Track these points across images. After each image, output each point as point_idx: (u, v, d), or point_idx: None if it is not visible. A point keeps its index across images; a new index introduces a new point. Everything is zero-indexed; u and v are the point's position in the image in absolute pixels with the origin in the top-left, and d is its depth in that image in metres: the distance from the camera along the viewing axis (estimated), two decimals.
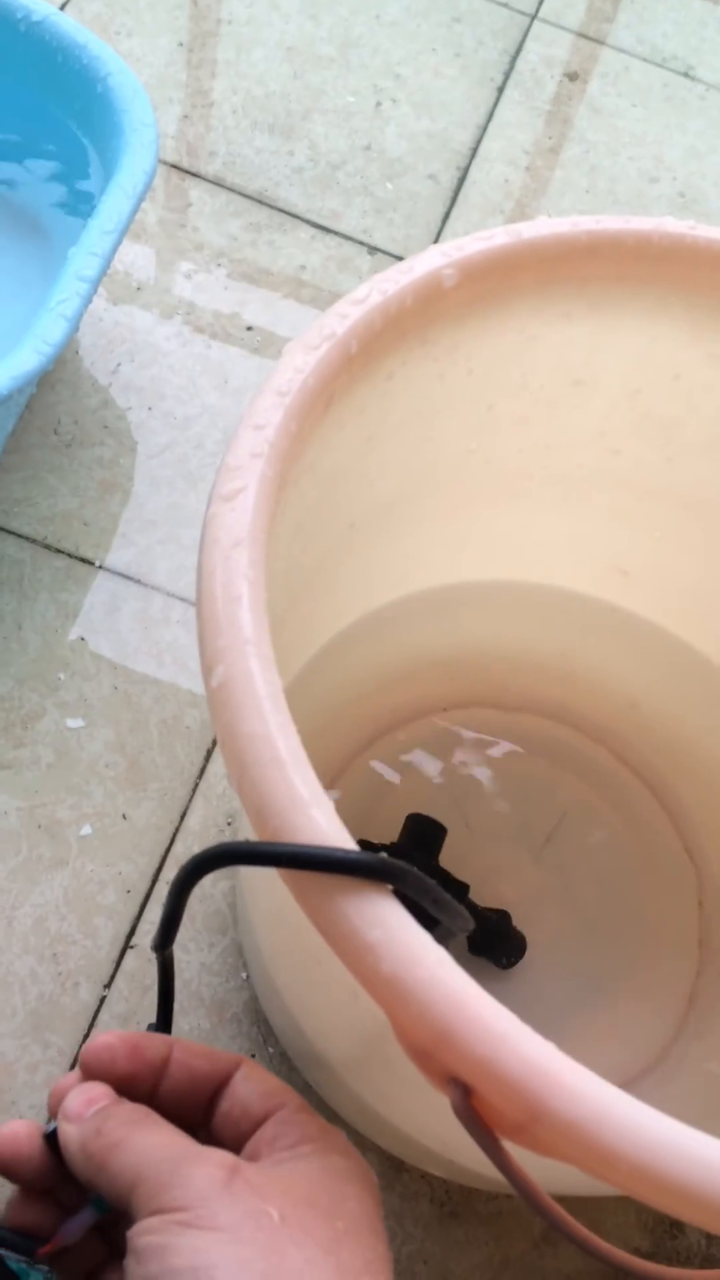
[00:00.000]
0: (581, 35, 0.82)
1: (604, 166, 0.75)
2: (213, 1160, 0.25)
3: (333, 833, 0.22)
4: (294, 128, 0.72)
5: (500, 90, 0.77)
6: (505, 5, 0.82)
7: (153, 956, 0.46)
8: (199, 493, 0.58)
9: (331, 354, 0.29)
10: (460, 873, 0.44)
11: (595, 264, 0.33)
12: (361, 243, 0.68)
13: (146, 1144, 0.26)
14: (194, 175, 0.69)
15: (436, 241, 0.69)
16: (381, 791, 0.48)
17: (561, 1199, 0.24)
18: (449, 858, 0.45)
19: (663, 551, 0.45)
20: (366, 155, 0.72)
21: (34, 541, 0.55)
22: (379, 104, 0.74)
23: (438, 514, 0.43)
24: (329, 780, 0.48)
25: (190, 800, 0.50)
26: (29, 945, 0.46)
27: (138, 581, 0.55)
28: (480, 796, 0.49)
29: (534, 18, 0.81)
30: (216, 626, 0.24)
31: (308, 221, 0.68)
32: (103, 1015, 0.45)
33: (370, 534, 0.40)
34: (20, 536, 0.55)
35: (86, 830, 0.48)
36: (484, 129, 0.75)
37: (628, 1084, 0.44)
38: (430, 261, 0.31)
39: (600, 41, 0.82)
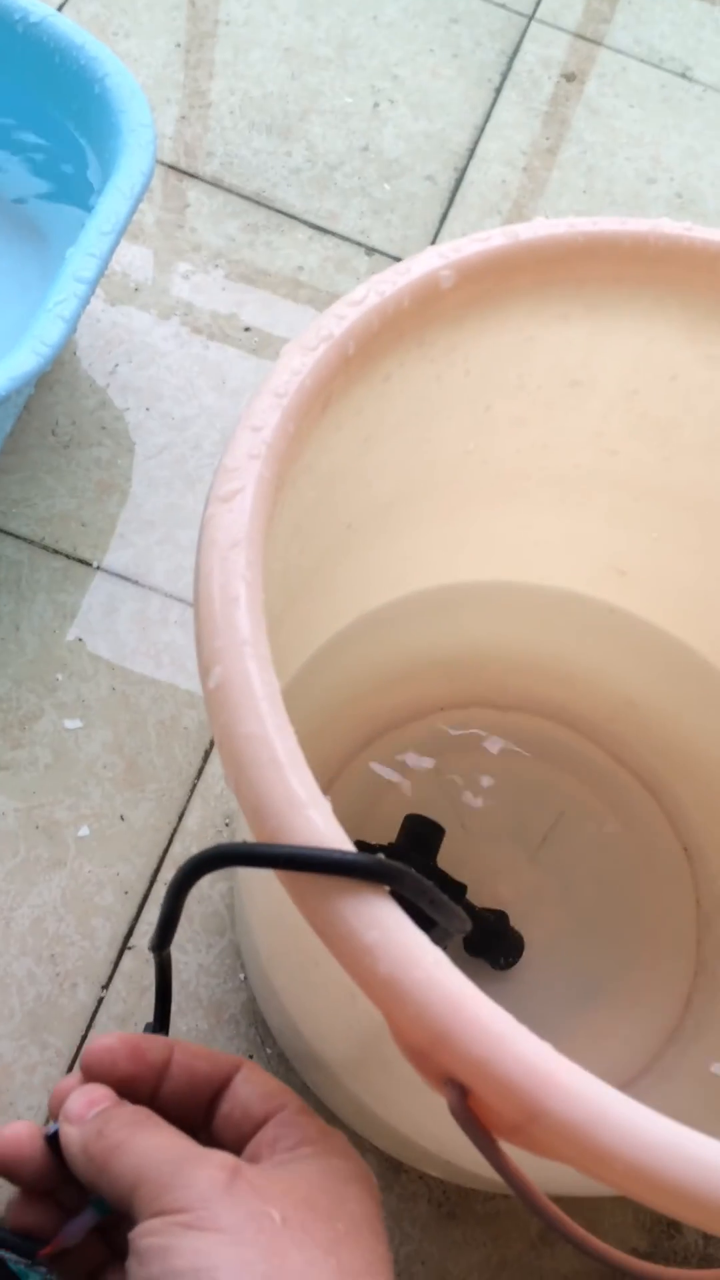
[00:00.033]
0: (579, 36, 0.82)
1: (601, 167, 0.75)
2: (214, 1162, 0.25)
3: (330, 834, 0.22)
4: (291, 128, 0.72)
5: (498, 91, 0.77)
6: (503, 6, 0.82)
7: (150, 957, 0.46)
8: (197, 493, 0.58)
9: (329, 355, 0.29)
10: (458, 873, 0.44)
11: (592, 265, 0.33)
12: (359, 243, 0.68)
13: (148, 1145, 0.26)
14: (192, 176, 0.69)
15: (434, 242, 0.69)
16: (379, 792, 0.48)
17: (559, 1199, 0.25)
18: (446, 858, 0.45)
19: (660, 552, 0.45)
20: (364, 156, 0.72)
21: (32, 542, 0.55)
22: (376, 105, 0.74)
23: (435, 515, 0.43)
24: (327, 781, 0.48)
25: (188, 801, 0.50)
26: (27, 946, 0.46)
27: (135, 582, 0.55)
28: (478, 797, 0.49)
29: (531, 18, 0.82)
30: (214, 627, 0.24)
31: (305, 222, 0.68)
32: (100, 1016, 0.45)
33: (368, 535, 0.40)
34: (18, 537, 0.55)
35: (84, 831, 0.48)
36: (481, 130, 0.75)
37: (625, 1084, 0.44)
38: (427, 263, 0.31)
39: (598, 42, 0.82)
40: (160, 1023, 0.33)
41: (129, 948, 0.47)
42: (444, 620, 0.49)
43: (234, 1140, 0.28)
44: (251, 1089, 0.28)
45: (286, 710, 0.24)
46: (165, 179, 0.69)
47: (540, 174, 0.74)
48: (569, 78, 0.79)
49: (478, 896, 0.45)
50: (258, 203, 0.69)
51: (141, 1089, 0.29)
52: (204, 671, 0.24)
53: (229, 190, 0.69)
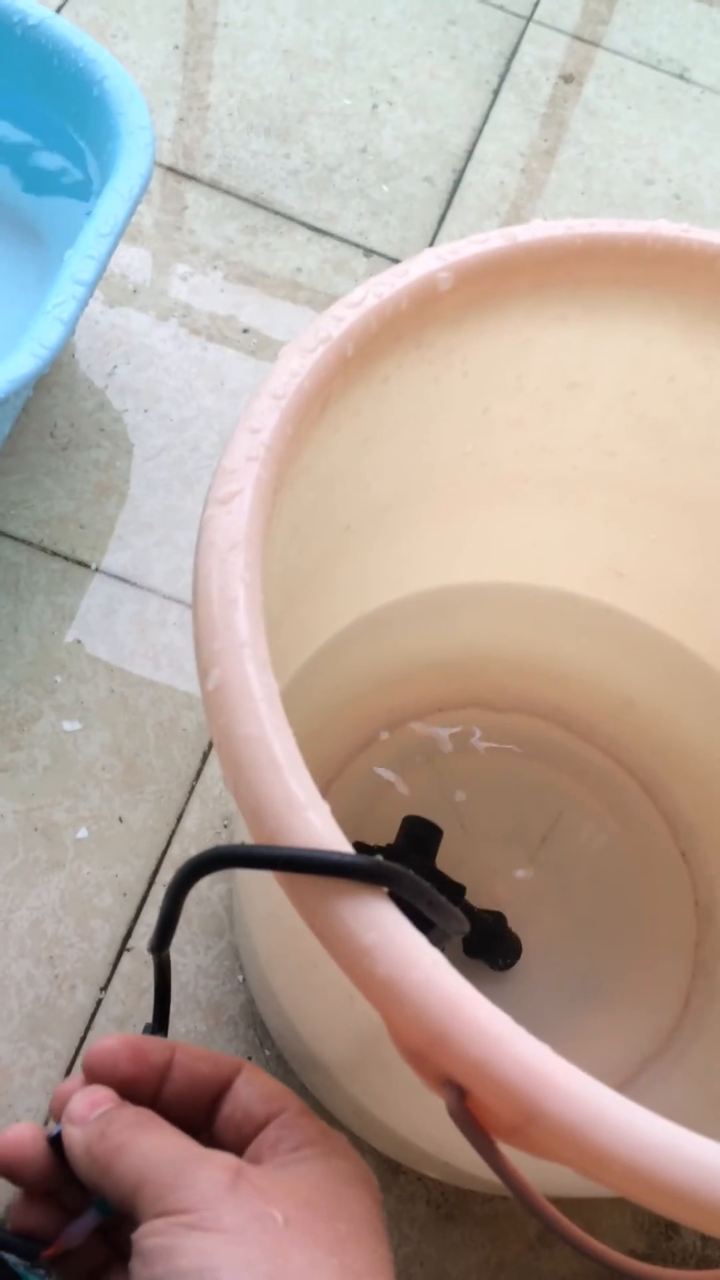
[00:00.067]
0: (577, 38, 0.82)
1: (599, 169, 0.75)
2: (217, 1163, 0.25)
3: (328, 835, 0.22)
4: (290, 130, 0.72)
5: (496, 93, 0.77)
6: (500, 8, 0.82)
7: (149, 959, 0.46)
8: (195, 495, 0.58)
9: (327, 357, 0.29)
10: (456, 875, 0.44)
11: (590, 267, 0.33)
12: (357, 245, 0.68)
13: (151, 1146, 0.26)
14: (190, 178, 0.69)
15: (432, 244, 0.69)
16: (378, 794, 0.48)
17: (557, 1201, 0.25)
18: (444, 860, 0.45)
19: (658, 553, 0.45)
20: (362, 158, 0.72)
21: (30, 544, 0.55)
22: (375, 106, 0.74)
23: (434, 516, 0.43)
24: (325, 783, 0.48)
25: (187, 803, 0.50)
26: (25, 948, 0.46)
27: (134, 584, 0.55)
28: (476, 798, 0.49)
29: (529, 20, 0.82)
30: (213, 629, 0.24)
31: (304, 224, 0.68)
32: (99, 1018, 0.45)
33: (366, 536, 0.40)
34: (16, 539, 0.55)
35: (83, 833, 0.48)
36: (479, 131, 0.75)
37: (623, 1085, 0.44)
38: (425, 265, 0.31)
39: (595, 44, 0.82)
40: (160, 1024, 0.33)
41: (127, 949, 0.47)
42: (442, 621, 0.49)
43: (235, 1142, 0.28)
44: (253, 1091, 0.28)
45: (285, 712, 0.24)
46: (164, 181, 0.69)
47: (538, 175, 0.74)
48: (567, 79, 0.79)
49: (476, 898, 0.46)
50: (256, 204, 0.69)
51: (143, 1091, 0.29)
52: (203, 673, 0.24)
53: (227, 192, 0.69)
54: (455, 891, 0.44)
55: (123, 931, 0.47)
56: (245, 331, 0.64)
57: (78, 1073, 0.29)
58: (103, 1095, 0.28)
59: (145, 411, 0.60)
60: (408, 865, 0.23)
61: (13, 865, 0.47)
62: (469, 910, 0.44)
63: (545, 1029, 0.22)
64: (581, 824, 0.49)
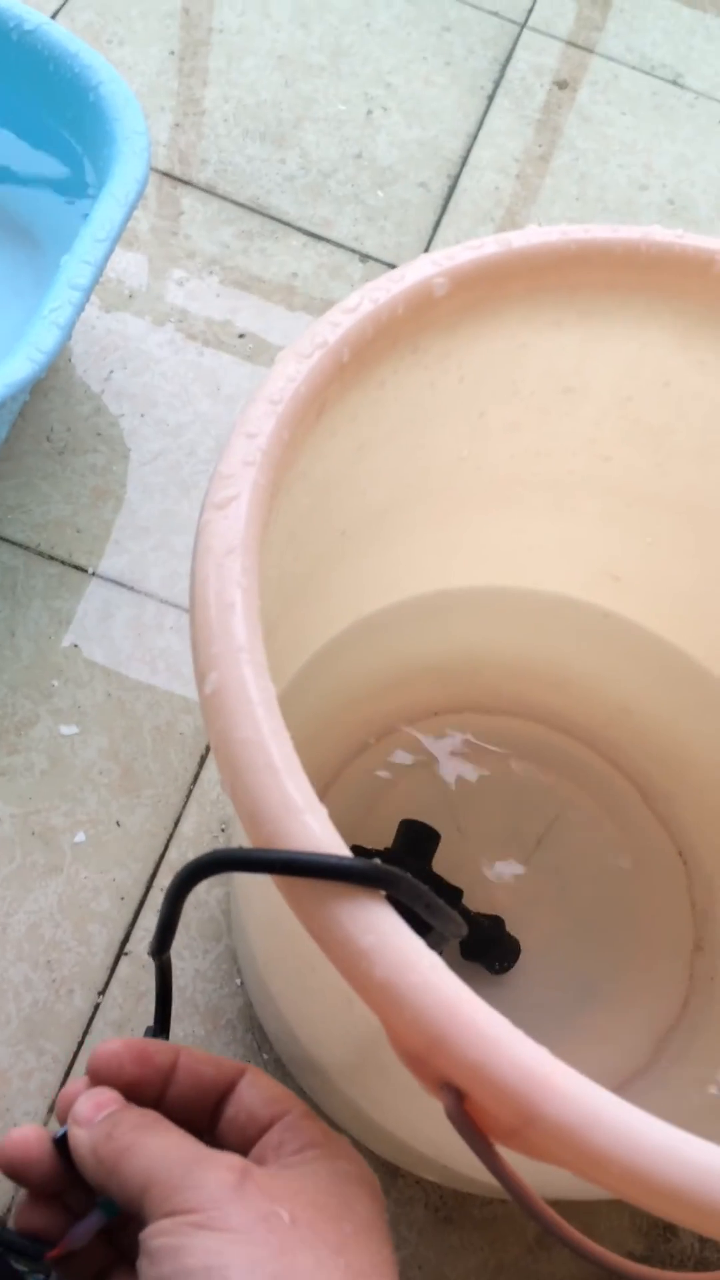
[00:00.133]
0: (571, 44, 0.82)
1: (594, 174, 0.76)
2: (223, 1163, 0.25)
3: (326, 839, 0.22)
4: (285, 136, 0.72)
5: (490, 98, 0.78)
6: (495, 14, 0.82)
7: (148, 963, 0.46)
8: (191, 500, 0.58)
9: (323, 362, 0.29)
10: (453, 878, 0.45)
11: (585, 272, 0.34)
12: (353, 250, 0.68)
13: (157, 1147, 0.26)
14: (186, 183, 0.69)
15: (427, 249, 0.70)
16: (375, 797, 0.48)
17: (555, 1203, 0.25)
18: (442, 863, 0.45)
19: (654, 557, 0.45)
20: (358, 163, 0.72)
21: (27, 549, 0.55)
22: (370, 112, 0.75)
23: (429, 521, 0.43)
24: (322, 786, 0.48)
25: (184, 807, 0.50)
26: (23, 952, 0.46)
27: (131, 588, 0.55)
28: (473, 801, 0.49)
29: (524, 26, 0.82)
30: (210, 634, 0.24)
31: (299, 229, 0.69)
32: (97, 1022, 0.45)
33: (362, 541, 0.40)
34: (13, 544, 0.55)
35: (80, 837, 0.48)
36: (474, 137, 0.75)
37: (621, 1088, 0.44)
38: (421, 270, 0.31)
39: (590, 50, 0.82)
40: (161, 1027, 0.33)
41: (125, 953, 0.47)
42: (438, 626, 0.49)
43: (239, 1144, 0.28)
44: (256, 1093, 0.29)
45: (282, 715, 0.24)
46: (160, 186, 0.69)
47: (533, 181, 0.74)
48: (561, 85, 0.80)
49: (473, 901, 0.46)
50: (252, 210, 0.69)
51: (148, 1093, 0.29)
52: (200, 677, 0.24)
53: (223, 197, 0.69)
54: (453, 895, 0.44)
55: (120, 936, 0.47)
56: (241, 336, 0.64)
57: (83, 1075, 0.29)
58: (108, 1097, 0.28)
59: (141, 416, 0.60)
60: (405, 869, 0.23)
61: (10, 869, 0.47)
62: (466, 913, 0.44)
63: (543, 1031, 0.22)
64: (578, 827, 0.49)
